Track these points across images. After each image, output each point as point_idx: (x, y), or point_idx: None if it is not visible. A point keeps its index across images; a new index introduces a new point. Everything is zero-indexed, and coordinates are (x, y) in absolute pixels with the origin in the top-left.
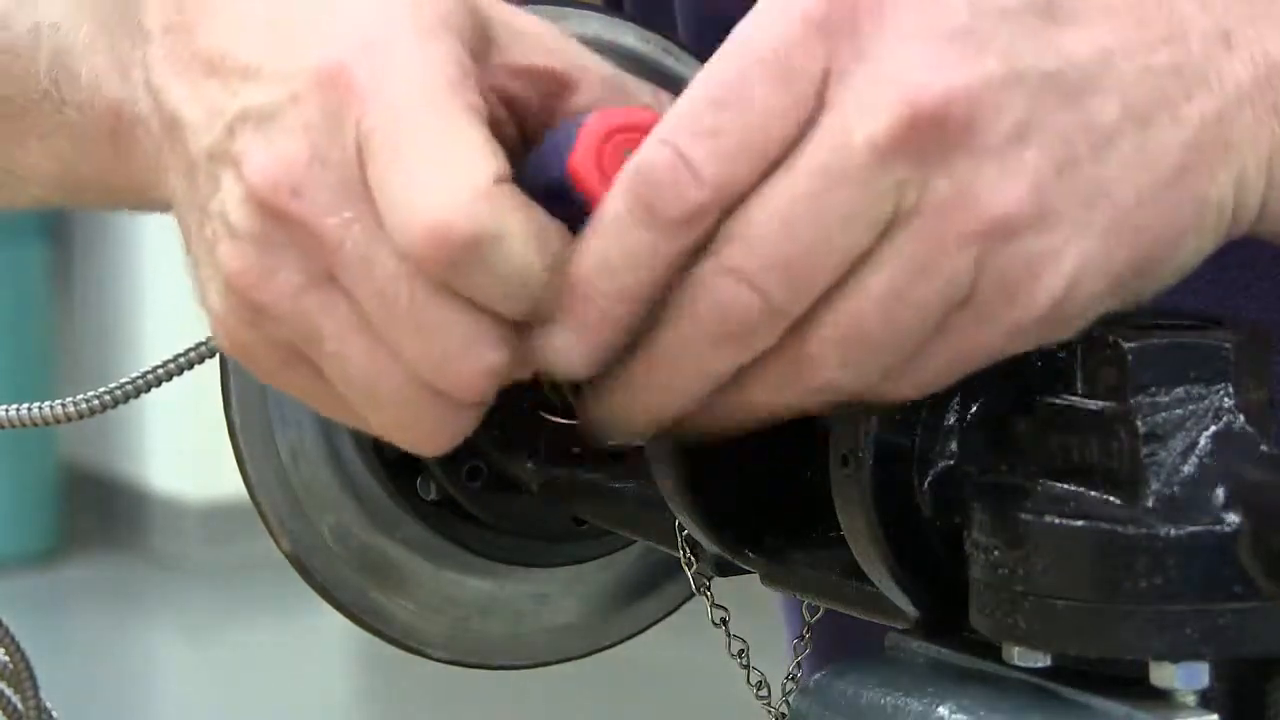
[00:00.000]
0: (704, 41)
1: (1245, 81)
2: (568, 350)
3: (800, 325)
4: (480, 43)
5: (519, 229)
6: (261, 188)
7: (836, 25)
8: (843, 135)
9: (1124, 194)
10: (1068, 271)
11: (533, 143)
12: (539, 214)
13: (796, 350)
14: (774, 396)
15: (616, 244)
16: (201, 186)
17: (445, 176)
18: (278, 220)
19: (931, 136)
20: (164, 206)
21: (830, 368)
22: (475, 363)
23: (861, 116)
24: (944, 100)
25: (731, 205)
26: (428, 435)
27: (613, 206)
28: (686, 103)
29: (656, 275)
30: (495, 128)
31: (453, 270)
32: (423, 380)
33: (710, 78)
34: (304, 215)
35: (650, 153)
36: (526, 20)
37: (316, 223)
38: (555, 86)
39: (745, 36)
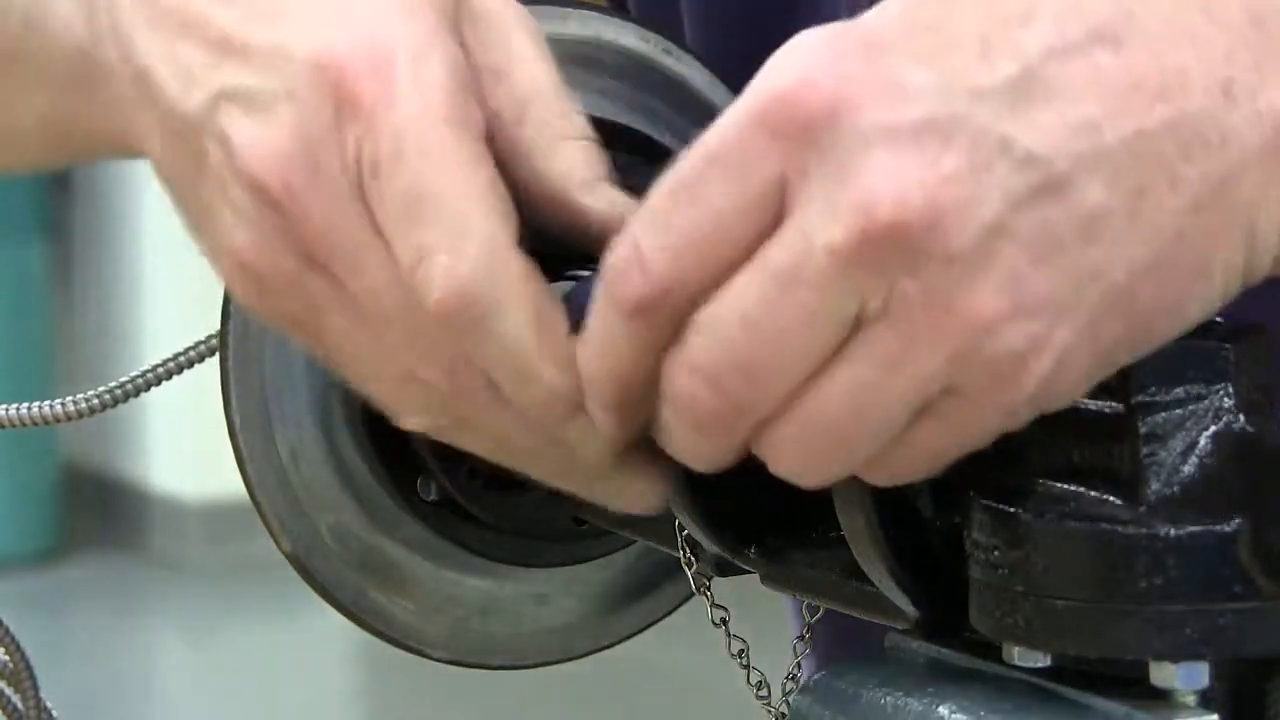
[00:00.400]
0: (712, 44)
1: (1250, 135)
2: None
3: (769, 420)
4: (456, 19)
5: (522, 304)
6: (257, 174)
7: (792, 127)
8: (803, 240)
9: (1115, 272)
10: (1055, 354)
11: None
12: (542, 293)
13: (765, 441)
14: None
15: (595, 328)
16: (185, 153)
17: (460, 239)
18: (269, 205)
19: (891, 245)
20: (140, 155)
21: (796, 461)
22: (440, 402)
23: (821, 223)
24: (900, 209)
25: (692, 299)
26: (418, 414)
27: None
28: (654, 196)
29: (628, 360)
30: None
31: (455, 330)
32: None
33: (672, 174)
34: (299, 213)
35: (618, 244)
36: (491, 4)
37: (307, 220)
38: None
39: (707, 136)
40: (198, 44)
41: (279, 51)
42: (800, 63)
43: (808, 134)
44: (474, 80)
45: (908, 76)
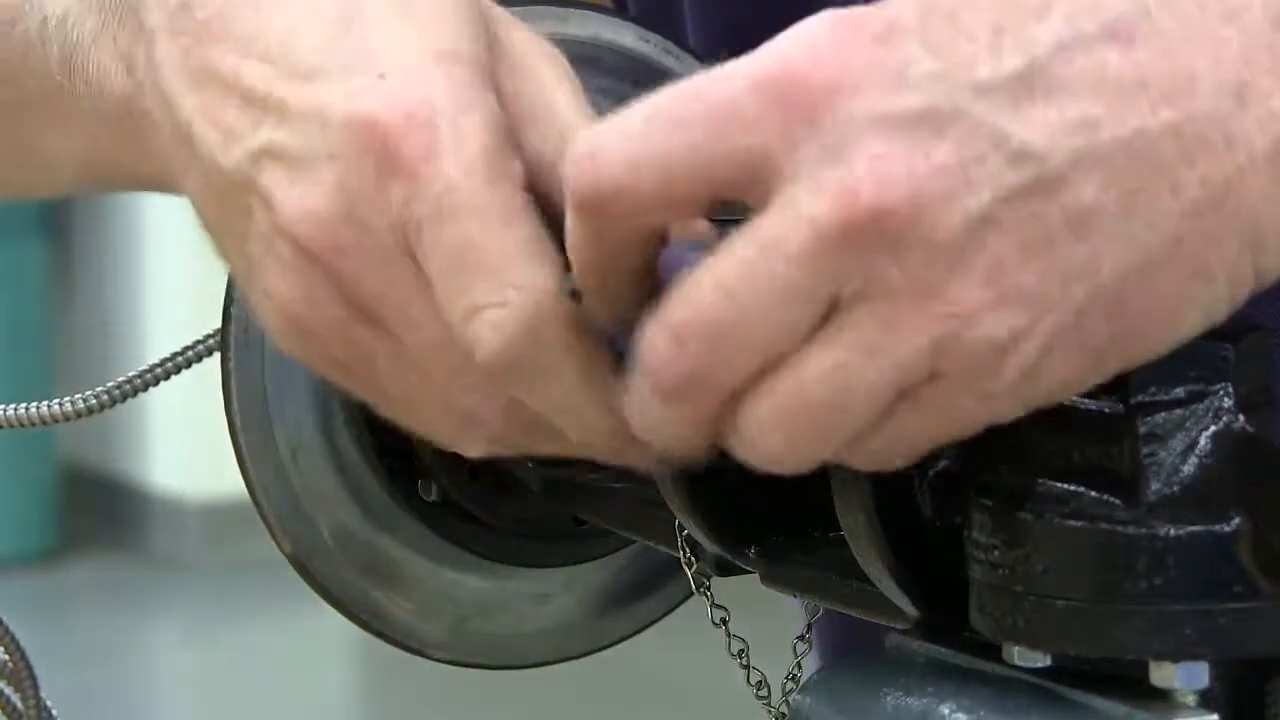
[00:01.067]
0: (712, 44)
1: (1259, 138)
2: None
3: (741, 397)
4: (490, 65)
5: (569, 357)
6: (301, 234)
7: (791, 101)
8: (789, 212)
9: (1104, 271)
10: (1038, 347)
11: None
12: (591, 339)
13: (739, 422)
14: (735, 453)
15: (572, 226)
16: (228, 207)
17: (504, 295)
18: (317, 264)
19: (874, 229)
20: (183, 194)
21: (772, 442)
22: (503, 434)
23: (808, 199)
24: (886, 194)
25: (654, 230)
26: (479, 448)
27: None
28: (633, 114)
29: (599, 258)
30: None
31: (503, 383)
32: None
33: (655, 100)
34: (344, 270)
35: (578, 142)
36: (528, 48)
37: (358, 280)
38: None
39: (701, 81)
40: (236, 102)
41: (318, 114)
42: (812, 40)
43: (806, 110)
44: (513, 126)
45: (912, 66)
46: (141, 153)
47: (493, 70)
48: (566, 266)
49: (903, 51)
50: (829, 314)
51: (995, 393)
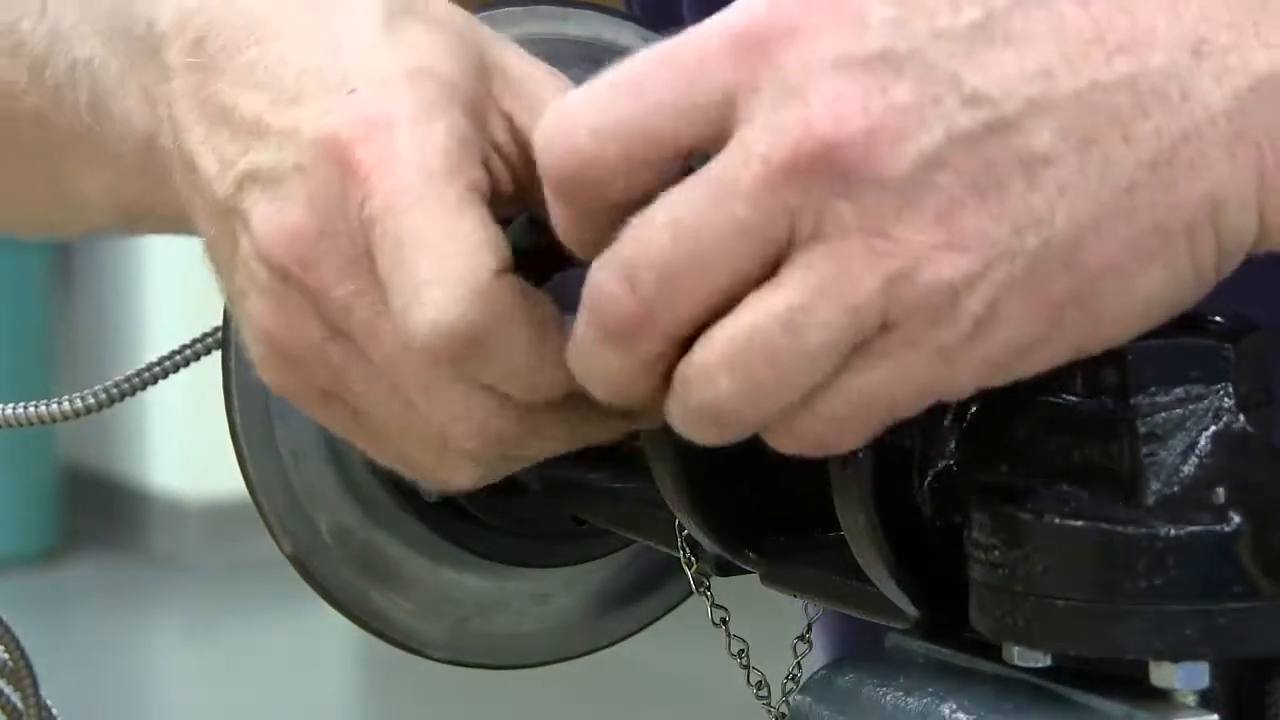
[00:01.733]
0: None
1: (1214, 93)
2: None
3: (691, 341)
4: (483, 93)
5: (518, 324)
6: (273, 252)
7: (751, 44)
8: (741, 151)
9: (1059, 221)
10: (990, 293)
11: (525, 196)
12: (541, 305)
13: (685, 365)
14: (672, 417)
15: (554, 209)
16: (223, 236)
17: (444, 273)
18: (291, 282)
19: (826, 166)
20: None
21: (718, 389)
22: (480, 432)
23: (761, 136)
24: (837, 129)
25: (622, 193)
26: (466, 476)
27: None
28: (597, 82)
29: (588, 233)
30: (497, 188)
31: (456, 363)
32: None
33: (618, 67)
34: (313, 284)
35: (549, 113)
36: (527, 70)
37: (326, 292)
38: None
39: (664, 42)
40: (232, 130)
41: (293, 131)
42: None
43: (765, 53)
44: (513, 145)
45: (873, 11)
46: (163, 192)
47: (489, 92)
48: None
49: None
50: (782, 257)
51: (950, 347)
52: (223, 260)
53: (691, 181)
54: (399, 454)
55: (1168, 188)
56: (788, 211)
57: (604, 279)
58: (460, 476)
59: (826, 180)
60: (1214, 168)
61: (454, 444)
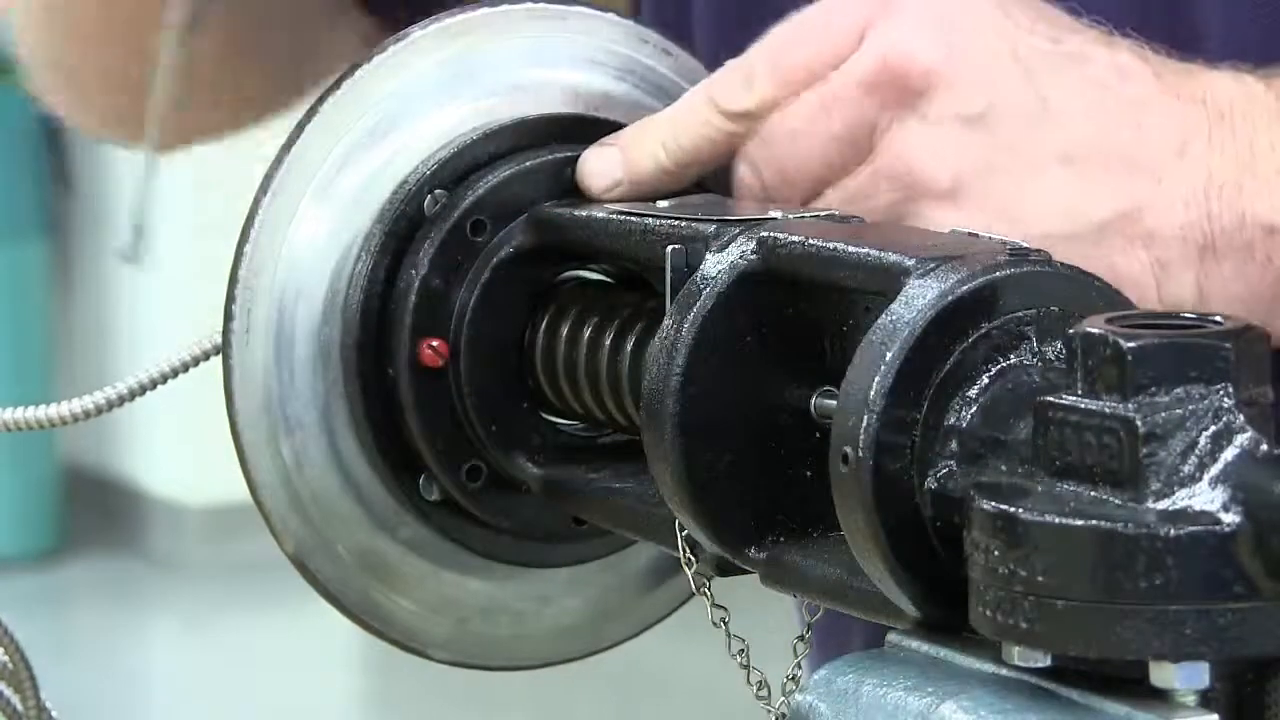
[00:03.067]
0: (719, 43)
1: (1185, 192)
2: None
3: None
4: None
5: None
6: None
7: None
8: (844, 73)
9: (1039, 224)
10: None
11: None
12: None
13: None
14: None
15: (683, 113)
16: None
17: None
18: None
19: (896, 92)
20: None
21: None
22: None
23: (860, 62)
24: (909, 62)
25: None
26: None
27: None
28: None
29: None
30: None
31: None
32: None
33: (788, 23)
34: None
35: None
36: None
37: None
38: None
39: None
40: None
41: None
42: None
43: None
44: None
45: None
46: None
47: None
48: None
49: None
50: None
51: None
52: None
53: (809, 94)
54: None
55: (1123, 239)
56: (868, 121)
57: (742, 167)
58: None
59: (895, 100)
60: (1167, 244)
61: None
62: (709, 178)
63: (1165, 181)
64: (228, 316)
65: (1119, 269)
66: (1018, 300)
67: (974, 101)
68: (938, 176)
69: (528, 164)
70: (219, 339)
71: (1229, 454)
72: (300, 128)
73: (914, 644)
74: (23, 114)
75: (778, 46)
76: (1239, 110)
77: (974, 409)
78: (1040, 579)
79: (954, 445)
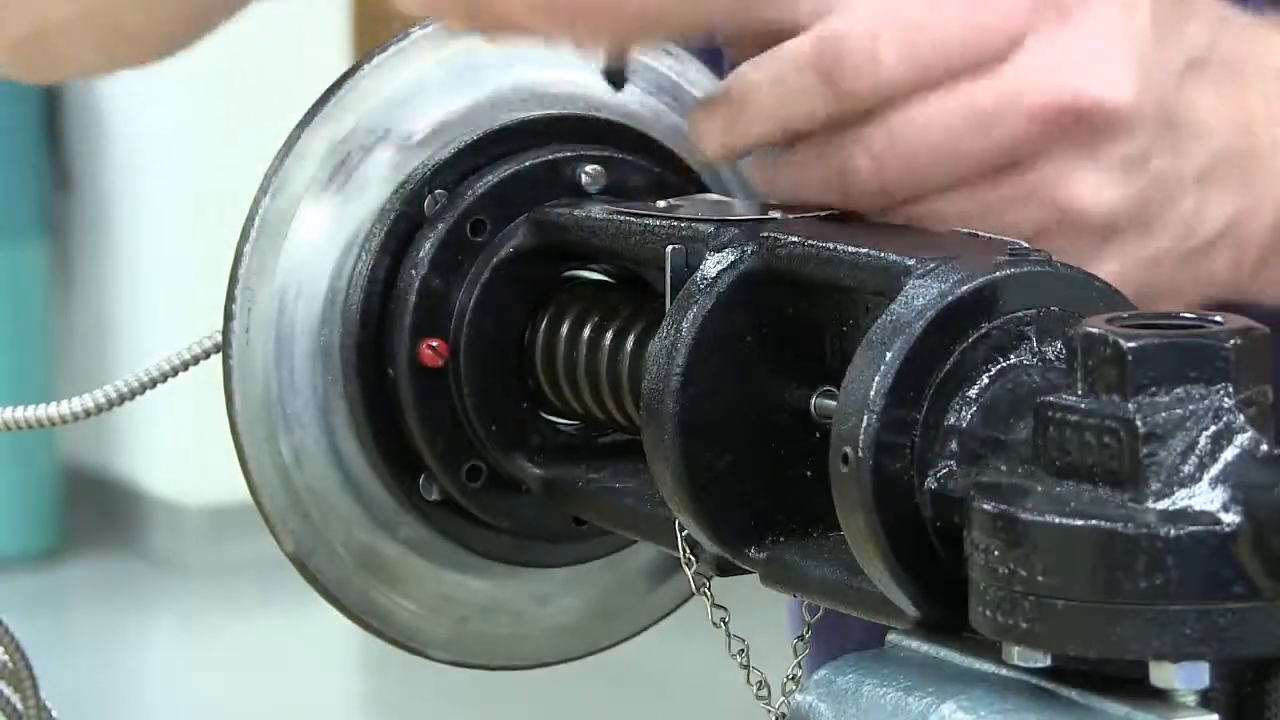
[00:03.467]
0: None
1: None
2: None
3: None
4: None
5: None
6: None
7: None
8: (1011, 92)
9: (1161, 242)
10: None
11: None
12: None
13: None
14: None
15: (788, 79)
16: None
17: None
18: None
19: (1073, 128)
20: None
21: None
22: None
23: (1034, 85)
24: (1097, 106)
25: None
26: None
27: (797, 48)
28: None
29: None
30: None
31: None
32: None
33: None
34: None
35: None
36: None
37: None
38: None
39: None
40: None
41: None
42: None
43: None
44: None
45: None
46: None
47: None
48: None
49: None
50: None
51: None
52: None
53: (953, 96)
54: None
55: (1229, 252)
56: (1018, 149)
57: (861, 162)
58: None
59: (1070, 136)
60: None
61: None
62: (709, 177)
63: (1259, 181)
64: (228, 316)
65: (1218, 278)
66: (1018, 300)
67: (1140, 143)
68: (1097, 215)
69: (528, 164)
70: (219, 339)
71: (1229, 454)
72: (300, 127)
73: (914, 644)
74: (23, 114)
75: (913, 26)
76: None
77: (974, 409)
78: (1040, 579)
79: (954, 445)
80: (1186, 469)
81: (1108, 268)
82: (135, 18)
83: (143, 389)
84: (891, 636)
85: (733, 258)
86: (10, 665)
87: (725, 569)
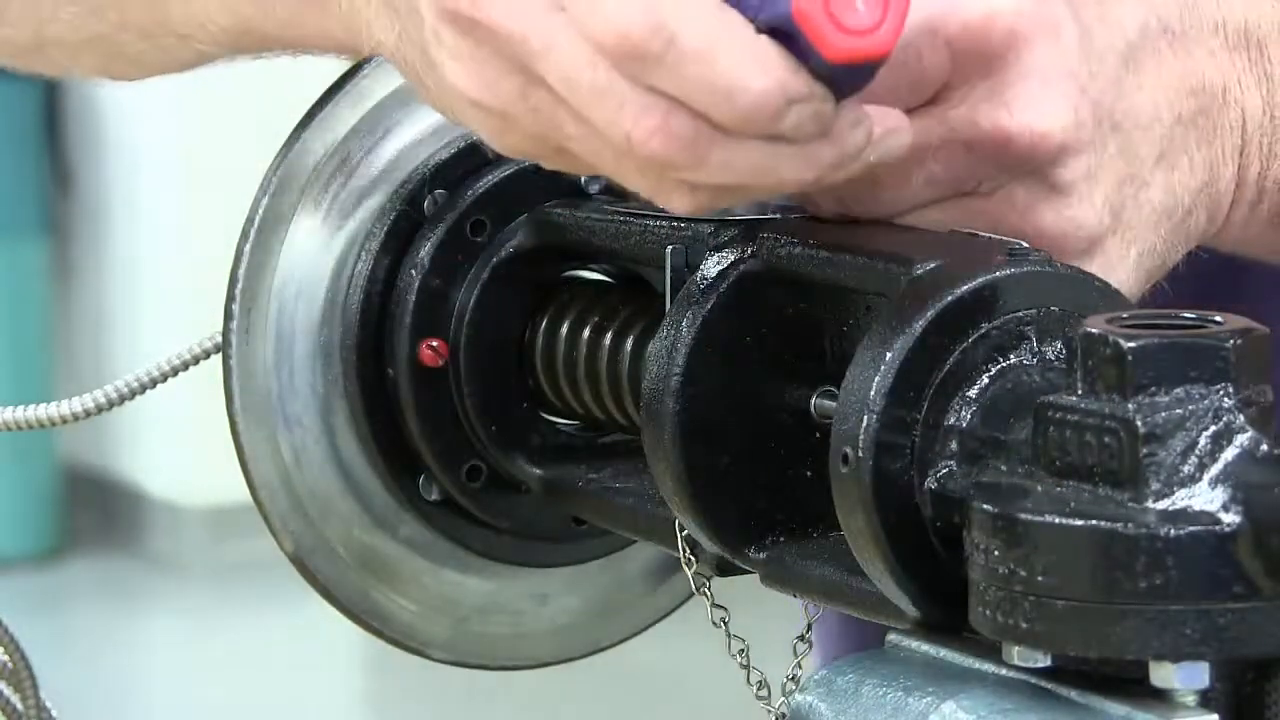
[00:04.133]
0: None
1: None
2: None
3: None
4: None
5: (700, 15)
6: (447, 4)
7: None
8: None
9: (1147, 225)
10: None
11: None
12: (730, 21)
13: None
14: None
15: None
16: (409, 24)
17: None
18: (472, 31)
19: (1025, 157)
20: (360, 54)
21: None
22: (662, 130)
23: (992, 112)
24: (1044, 135)
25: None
26: (670, 190)
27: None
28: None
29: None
30: None
31: (635, 60)
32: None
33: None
34: (489, 22)
35: None
36: None
37: (503, 25)
38: None
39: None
40: None
41: None
42: None
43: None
44: None
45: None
46: (316, 17)
47: None
48: None
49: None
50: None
51: None
52: (409, 50)
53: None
54: (620, 177)
55: (1202, 210)
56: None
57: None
58: (678, 200)
59: (1024, 164)
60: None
61: (640, 148)
62: None
63: (1216, 137)
64: (228, 316)
65: (1200, 229)
66: (1018, 300)
67: (1088, 160)
68: (1074, 240)
69: (527, 164)
70: (219, 339)
71: (1229, 454)
72: (300, 127)
73: (914, 644)
74: (23, 113)
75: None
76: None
77: (974, 409)
78: (1040, 579)
79: (954, 445)
80: (1186, 469)
81: (1115, 276)
82: (140, 46)
83: (143, 389)
84: (891, 636)
85: (733, 258)
86: (10, 665)
87: (725, 569)
